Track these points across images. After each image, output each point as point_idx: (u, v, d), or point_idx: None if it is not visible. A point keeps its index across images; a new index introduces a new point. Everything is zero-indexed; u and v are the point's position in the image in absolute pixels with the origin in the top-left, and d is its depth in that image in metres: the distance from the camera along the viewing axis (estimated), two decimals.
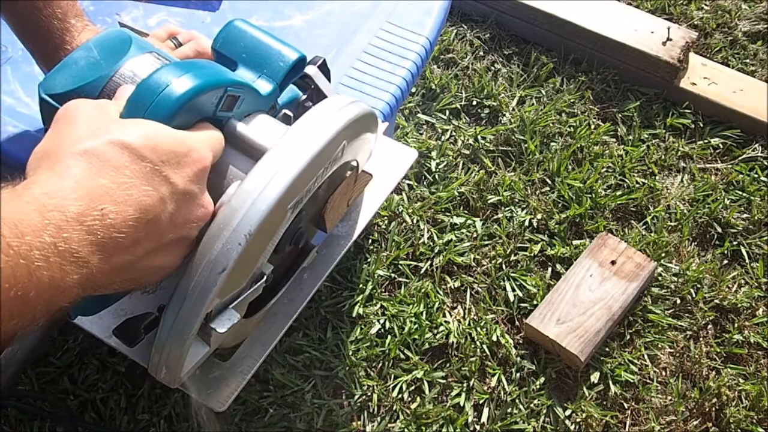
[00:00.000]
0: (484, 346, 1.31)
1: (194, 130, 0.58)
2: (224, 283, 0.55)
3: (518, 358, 1.30)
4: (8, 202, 0.44)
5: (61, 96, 0.62)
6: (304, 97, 0.74)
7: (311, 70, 0.73)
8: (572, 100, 1.65)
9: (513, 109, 1.63)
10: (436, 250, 1.41)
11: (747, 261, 1.44)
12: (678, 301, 1.38)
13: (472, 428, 1.24)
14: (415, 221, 1.44)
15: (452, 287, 1.38)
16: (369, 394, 1.25)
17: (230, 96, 0.60)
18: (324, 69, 0.75)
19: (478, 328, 1.32)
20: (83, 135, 0.51)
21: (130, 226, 0.49)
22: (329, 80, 0.76)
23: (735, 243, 1.46)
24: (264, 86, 0.66)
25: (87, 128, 0.52)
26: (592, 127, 1.62)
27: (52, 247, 0.44)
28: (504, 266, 1.40)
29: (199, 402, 0.69)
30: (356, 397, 1.25)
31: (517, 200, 1.49)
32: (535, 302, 1.35)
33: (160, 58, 0.67)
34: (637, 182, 1.53)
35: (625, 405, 1.27)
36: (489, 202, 1.48)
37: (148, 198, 0.50)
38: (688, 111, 1.65)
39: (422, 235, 1.43)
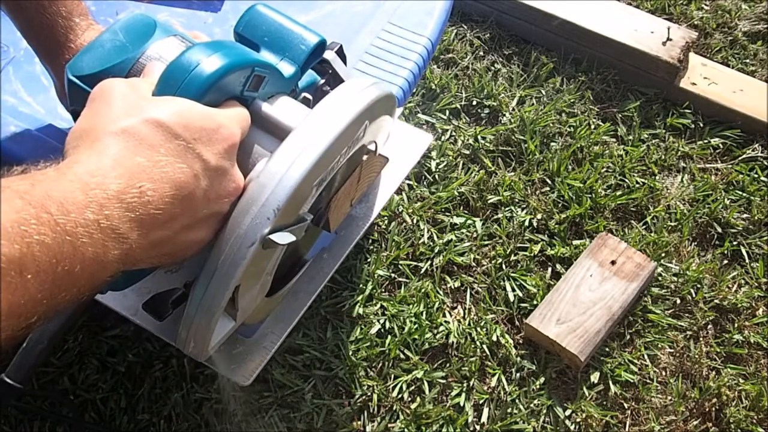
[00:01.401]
0: (484, 346, 1.31)
1: (223, 107, 0.59)
2: (253, 257, 0.56)
3: (518, 358, 1.30)
4: (54, 181, 0.46)
5: (89, 77, 0.63)
6: (322, 81, 0.75)
7: (329, 55, 0.74)
8: (572, 100, 1.65)
9: (513, 109, 1.63)
10: (436, 250, 1.41)
11: (747, 261, 1.44)
12: (678, 301, 1.38)
13: (472, 428, 1.24)
14: (415, 221, 1.44)
15: (452, 287, 1.38)
16: (369, 394, 1.25)
17: (257, 76, 0.62)
18: (341, 54, 0.76)
19: (478, 328, 1.33)
20: (119, 114, 0.53)
21: (166, 203, 0.51)
22: (345, 66, 0.77)
23: (735, 243, 1.46)
24: (286, 69, 0.68)
25: (122, 107, 0.53)
26: (592, 127, 1.62)
27: (95, 224, 0.46)
28: (504, 266, 1.40)
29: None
30: (356, 397, 1.25)
31: (517, 200, 1.49)
32: (535, 302, 1.35)
33: (184, 41, 0.68)
34: (637, 182, 1.53)
35: (625, 405, 1.27)
36: (489, 202, 1.48)
37: (182, 175, 0.52)
38: (688, 111, 1.65)
39: (422, 235, 1.43)
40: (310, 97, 0.73)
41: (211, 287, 0.57)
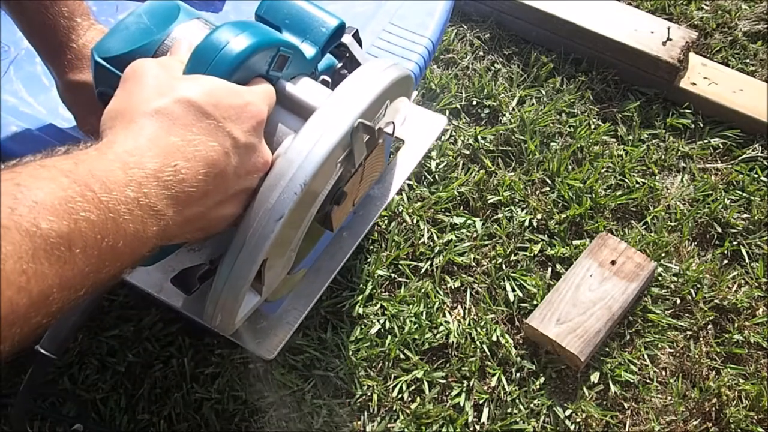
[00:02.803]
0: (484, 346, 1.31)
1: (250, 85, 0.61)
2: (280, 231, 0.58)
3: (518, 358, 1.30)
4: (96, 160, 0.48)
5: (115, 59, 0.65)
6: (340, 65, 0.77)
7: (347, 39, 0.76)
8: (572, 100, 1.65)
9: (513, 109, 1.63)
10: (436, 250, 1.41)
11: (747, 261, 1.44)
12: (678, 301, 1.38)
13: (472, 428, 1.24)
14: (415, 221, 1.44)
15: (452, 287, 1.38)
16: (369, 394, 1.25)
17: (281, 56, 0.64)
18: (357, 39, 0.78)
19: (478, 328, 1.33)
20: (152, 94, 0.55)
21: (200, 180, 0.53)
22: (362, 49, 0.79)
23: (735, 243, 1.46)
24: (308, 50, 0.69)
25: (155, 87, 0.55)
26: (592, 127, 1.62)
27: (135, 202, 0.48)
28: (504, 266, 1.40)
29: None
30: (356, 397, 1.25)
31: (517, 200, 1.49)
32: (535, 302, 1.35)
33: (207, 24, 0.70)
34: (637, 182, 1.53)
35: (625, 405, 1.27)
36: (489, 202, 1.48)
37: (214, 153, 0.54)
38: (688, 111, 1.65)
39: (422, 235, 1.43)
40: (328, 79, 0.75)
41: (239, 260, 0.59)
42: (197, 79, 0.57)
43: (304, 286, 0.77)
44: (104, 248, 0.45)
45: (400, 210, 1.46)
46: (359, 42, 0.78)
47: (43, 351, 0.75)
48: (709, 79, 1.66)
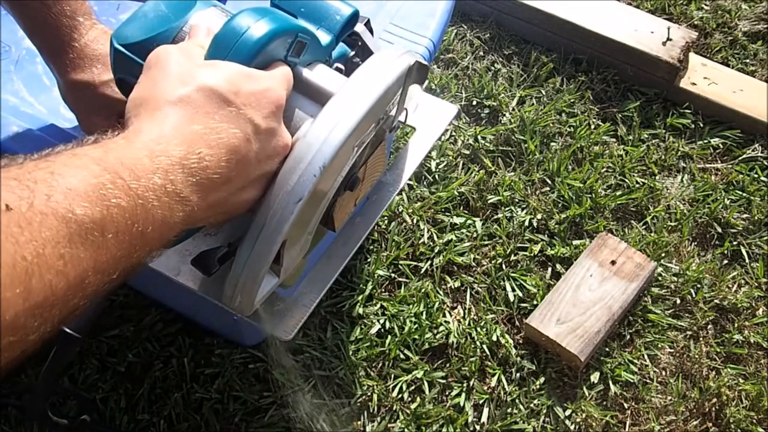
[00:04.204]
0: (484, 346, 1.31)
1: (268, 69, 0.63)
2: (299, 214, 0.60)
3: (518, 358, 1.30)
4: (124, 149, 0.50)
5: (134, 45, 0.66)
6: (353, 53, 0.79)
7: (359, 27, 0.78)
8: (572, 100, 1.65)
9: (513, 109, 1.63)
10: (436, 250, 1.41)
11: (747, 261, 1.44)
12: (678, 301, 1.38)
13: (472, 428, 1.24)
14: (415, 221, 1.44)
15: (452, 287, 1.38)
16: (369, 394, 1.25)
17: (299, 42, 0.65)
18: (369, 28, 0.80)
19: (478, 328, 1.33)
20: (175, 82, 0.56)
21: (222, 167, 0.54)
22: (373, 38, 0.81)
23: (735, 243, 1.46)
24: (323, 37, 0.71)
25: (178, 75, 0.57)
26: (592, 127, 1.62)
27: (162, 189, 0.49)
28: (504, 266, 1.40)
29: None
30: (356, 397, 1.25)
31: (517, 200, 1.49)
32: (535, 302, 1.35)
33: (224, 11, 0.71)
34: (637, 182, 1.53)
35: (625, 405, 1.27)
36: (489, 202, 1.48)
37: (236, 140, 0.55)
38: (688, 111, 1.65)
39: (422, 235, 1.43)
40: (342, 67, 0.77)
41: (259, 242, 0.61)
42: (218, 65, 0.59)
43: (319, 271, 0.80)
44: (134, 233, 0.47)
45: (400, 210, 1.46)
46: (371, 31, 0.80)
47: (68, 330, 0.76)
48: (709, 79, 1.66)
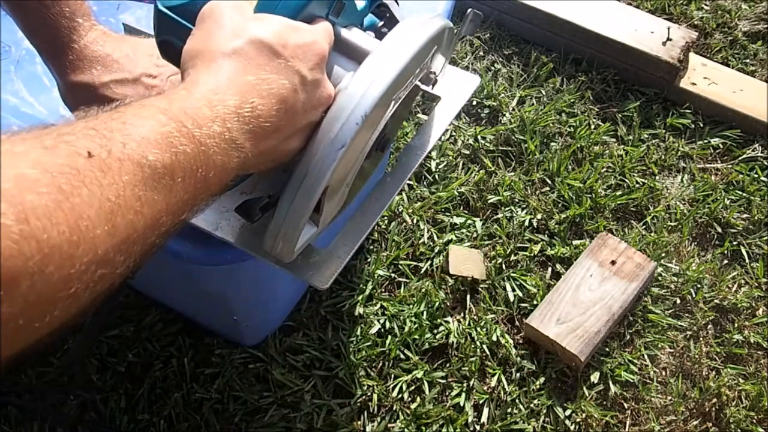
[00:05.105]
0: (484, 346, 1.31)
1: (312, 24, 0.66)
2: (341, 160, 0.63)
3: (518, 358, 1.30)
4: (185, 99, 0.53)
5: (178, 8, 0.69)
6: (381, 23, 0.82)
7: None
8: (572, 100, 1.65)
9: (513, 109, 1.63)
10: (436, 250, 1.41)
11: (747, 261, 1.44)
12: (678, 301, 1.38)
13: (472, 428, 1.24)
14: (415, 221, 1.44)
15: (452, 287, 1.38)
16: (369, 394, 1.25)
17: (339, 2, 0.69)
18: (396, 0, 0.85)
19: (478, 328, 1.33)
20: (228, 35, 0.60)
21: (273, 116, 0.58)
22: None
23: (735, 243, 1.46)
24: (358, 2, 0.75)
25: (230, 28, 0.61)
26: (592, 127, 1.62)
27: (221, 136, 0.53)
28: (504, 266, 1.40)
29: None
30: (356, 397, 1.25)
31: (517, 200, 1.49)
32: (535, 302, 1.35)
33: None
34: (637, 182, 1.53)
35: (625, 405, 1.27)
36: (489, 202, 1.48)
37: (285, 90, 0.59)
38: (688, 111, 1.65)
39: (422, 235, 1.43)
40: (372, 35, 0.82)
41: (302, 188, 0.64)
42: (267, 19, 0.62)
43: (352, 227, 0.84)
44: (199, 178, 0.51)
45: (400, 210, 1.46)
46: (397, 3, 0.84)
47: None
48: (709, 79, 1.66)
